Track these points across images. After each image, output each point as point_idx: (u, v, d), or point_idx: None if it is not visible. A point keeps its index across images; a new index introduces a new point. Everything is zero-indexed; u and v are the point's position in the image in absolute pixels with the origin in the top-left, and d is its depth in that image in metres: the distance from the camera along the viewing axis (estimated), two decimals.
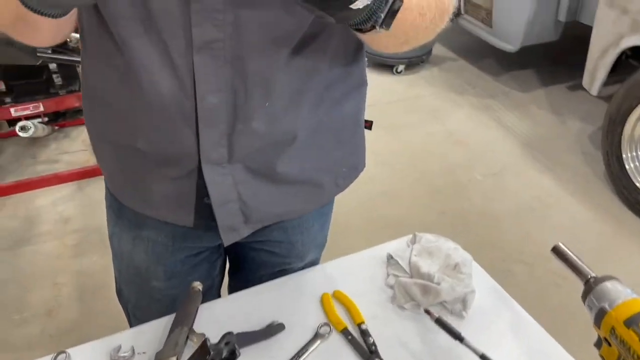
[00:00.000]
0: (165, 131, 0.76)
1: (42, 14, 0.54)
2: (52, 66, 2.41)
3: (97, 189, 2.44)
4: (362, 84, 0.90)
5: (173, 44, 0.68)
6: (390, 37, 0.70)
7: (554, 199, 2.52)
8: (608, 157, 2.51)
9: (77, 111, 2.82)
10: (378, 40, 0.74)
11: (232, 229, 0.85)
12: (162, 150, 0.79)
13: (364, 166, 0.98)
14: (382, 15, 0.56)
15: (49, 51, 1.88)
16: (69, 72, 2.50)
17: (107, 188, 0.93)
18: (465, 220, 2.39)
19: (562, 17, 3.00)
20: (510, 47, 3.20)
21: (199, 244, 0.93)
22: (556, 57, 3.69)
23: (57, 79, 2.47)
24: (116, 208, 0.92)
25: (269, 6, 0.68)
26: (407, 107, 3.28)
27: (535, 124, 3.09)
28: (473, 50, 3.83)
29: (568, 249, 0.73)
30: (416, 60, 3.61)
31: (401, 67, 3.60)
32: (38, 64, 2.13)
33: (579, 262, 0.71)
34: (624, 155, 2.43)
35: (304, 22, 0.71)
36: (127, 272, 0.97)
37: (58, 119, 2.73)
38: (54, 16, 0.57)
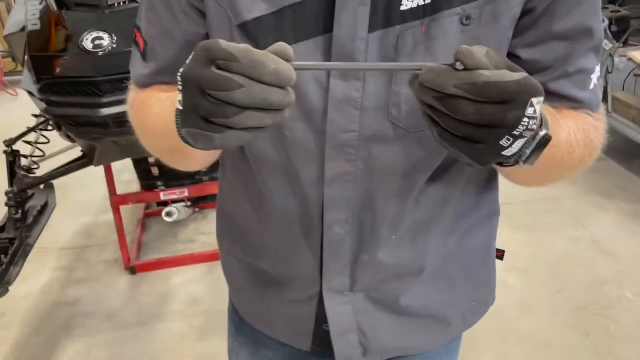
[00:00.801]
0: (291, 256, 0.76)
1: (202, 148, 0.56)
2: None
3: None
4: (495, 213, 0.85)
5: (305, 175, 0.70)
6: (532, 173, 0.65)
7: None
8: None
9: (216, 195, 3.04)
10: (518, 175, 0.70)
11: None
12: (285, 274, 0.79)
13: (494, 300, 0.90)
14: (528, 152, 0.50)
15: None
16: None
17: (230, 301, 0.95)
18: (612, 346, 2.10)
19: None
20: None
21: None
22: None
23: None
24: (237, 322, 0.93)
25: (403, 142, 0.67)
26: (546, 208, 3.06)
27: None
28: (622, 150, 3.54)
29: None
30: None
31: None
32: None
33: None
34: None
35: (437, 157, 0.69)
36: None
37: (199, 202, 2.96)
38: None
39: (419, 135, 0.66)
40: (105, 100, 1.50)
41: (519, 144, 0.47)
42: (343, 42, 0.61)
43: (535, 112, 0.46)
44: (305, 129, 0.66)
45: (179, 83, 0.48)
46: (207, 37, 0.68)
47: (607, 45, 3.24)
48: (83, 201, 3.19)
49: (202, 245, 2.78)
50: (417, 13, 0.60)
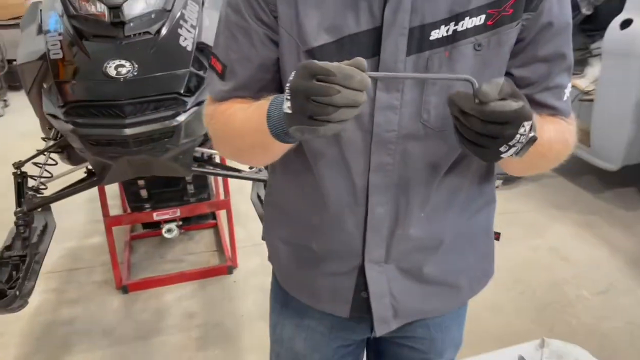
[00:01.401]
0: (339, 235, 0.94)
1: (288, 142, 0.75)
2: (188, 177, 2.76)
3: (216, 288, 2.66)
4: (492, 201, 1.06)
5: (354, 166, 0.88)
6: (519, 163, 0.86)
7: None
8: None
9: (200, 217, 3.16)
10: (511, 164, 0.91)
11: (383, 321, 0.99)
12: (332, 250, 0.97)
13: (493, 272, 1.11)
14: (519, 147, 0.72)
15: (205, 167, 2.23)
16: (200, 182, 2.85)
17: (274, 280, 1.11)
18: (575, 339, 2.32)
19: None
20: (611, 166, 3.23)
21: (351, 336, 1.07)
22: None
23: (190, 188, 2.82)
24: (282, 298, 1.09)
25: (431, 139, 0.87)
26: (506, 220, 3.33)
27: None
28: (571, 167, 3.88)
29: None
30: (513, 176, 3.71)
31: (498, 182, 3.71)
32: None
33: None
34: None
35: (455, 152, 0.90)
36: (286, 356, 1.12)
37: (184, 223, 3.07)
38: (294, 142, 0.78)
39: (443, 134, 0.86)
40: (128, 121, 1.66)
41: (512, 149, 0.70)
42: (387, 63, 0.82)
43: (525, 130, 0.69)
44: (356, 129, 0.86)
45: (287, 93, 0.67)
46: (278, 60, 0.87)
47: None
48: (65, 227, 3.22)
49: (190, 264, 2.89)
50: (442, 41, 0.81)
